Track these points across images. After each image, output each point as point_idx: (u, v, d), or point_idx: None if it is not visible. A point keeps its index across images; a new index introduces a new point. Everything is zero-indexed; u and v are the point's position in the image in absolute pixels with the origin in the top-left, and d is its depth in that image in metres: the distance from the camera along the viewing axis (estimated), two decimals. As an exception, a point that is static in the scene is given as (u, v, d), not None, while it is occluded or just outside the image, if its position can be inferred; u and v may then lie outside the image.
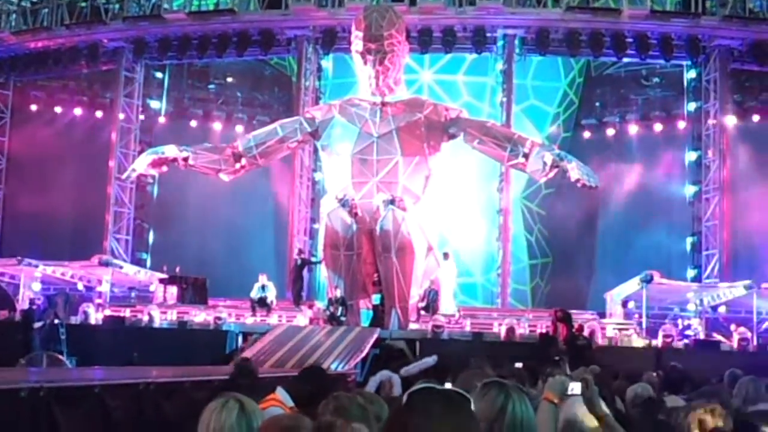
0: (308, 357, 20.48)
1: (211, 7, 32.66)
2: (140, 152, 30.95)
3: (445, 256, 27.01)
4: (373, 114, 26.22)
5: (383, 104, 26.26)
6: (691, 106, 32.05)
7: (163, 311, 27.01)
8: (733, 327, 25.85)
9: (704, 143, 31.08)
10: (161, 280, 29.38)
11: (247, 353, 20.58)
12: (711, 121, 30.92)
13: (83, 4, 33.14)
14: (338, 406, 4.49)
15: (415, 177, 26.14)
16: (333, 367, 19.49)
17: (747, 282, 26.18)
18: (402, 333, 23.87)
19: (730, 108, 31.22)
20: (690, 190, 31.63)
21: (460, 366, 9.66)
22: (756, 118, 33.72)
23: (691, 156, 31.82)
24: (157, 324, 26.06)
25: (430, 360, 8.43)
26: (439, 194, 27.86)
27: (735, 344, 24.69)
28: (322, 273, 28.44)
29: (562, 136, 35.69)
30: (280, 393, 6.13)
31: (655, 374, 10.15)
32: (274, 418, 3.59)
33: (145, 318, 26.30)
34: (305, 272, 28.10)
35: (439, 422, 3.10)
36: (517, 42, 31.32)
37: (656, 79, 35.23)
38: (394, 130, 26.03)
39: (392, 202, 24.92)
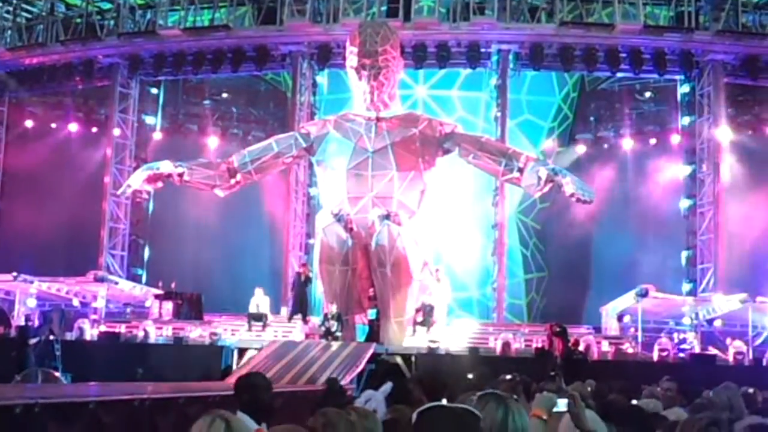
0: (304, 372, 20.47)
1: (206, 23, 32.70)
2: (135, 168, 30.94)
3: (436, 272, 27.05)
4: (368, 129, 26.26)
5: (378, 119, 26.30)
6: (685, 120, 32.15)
7: (158, 327, 26.99)
8: (728, 341, 25.86)
9: (698, 157, 31.16)
10: (157, 296, 29.35)
11: (243, 369, 20.60)
12: (705, 136, 30.99)
13: (78, 21, 33.21)
14: (326, 422, 4.47)
15: (410, 192, 26.16)
16: (329, 382, 19.45)
17: (742, 296, 26.18)
18: (398, 348, 23.85)
19: (723, 122, 31.32)
20: (684, 203, 31.70)
21: (456, 381, 9.66)
22: (749, 132, 33.83)
23: (685, 170, 31.90)
24: (152, 340, 26.03)
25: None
26: (435, 209, 27.87)
27: (731, 358, 24.70)
28: (318, 288, 28.41)
29: (556, 150, 35.76)
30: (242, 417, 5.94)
31: (658, 388, 10.12)
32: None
33: (141, 334, 26.27)
34: (304, 289, 28.00)
35: None
36: (511, 57, 31.38)
37: (650, 94, 35.32)
38: (389, 146, 26.07)
39: (387, 217, 24.93)
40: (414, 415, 3.17)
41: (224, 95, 38.45)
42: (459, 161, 27.37)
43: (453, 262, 32.81)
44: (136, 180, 27.35)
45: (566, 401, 5.38)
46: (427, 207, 26.78)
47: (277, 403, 6.78)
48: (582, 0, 30.66)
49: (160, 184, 27.62)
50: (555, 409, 5.37)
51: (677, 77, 32.09)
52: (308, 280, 27.81)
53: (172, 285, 29.42)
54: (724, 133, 31.24)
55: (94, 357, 23.35)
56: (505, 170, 26.23)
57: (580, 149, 36.51)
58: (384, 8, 30.95)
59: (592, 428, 5.43)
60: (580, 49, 30.78)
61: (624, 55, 30.76)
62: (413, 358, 22.81)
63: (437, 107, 33.95)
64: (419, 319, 25.27)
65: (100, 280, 28.79)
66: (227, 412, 4.52)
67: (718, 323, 27.74)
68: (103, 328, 27.26)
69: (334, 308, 25.11)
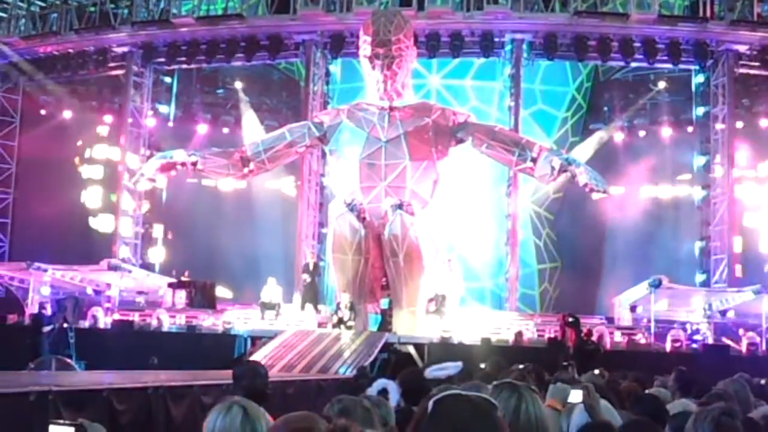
0: (316, 361, 20.52)
1: (220, 12, 32.72)
2: (149, 157, 31.03)
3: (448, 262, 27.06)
4: (381, 119, 26.24)
5: (391, 109, 26.27)
6: (699, 110, 32.01)
7: (171, 315, 27.09)
8: (741, 332, 25.81)
9: (712, 147, 31.00)
10: (170, 285, 29.44)
11: (256, 357, 20.65)
12: (719, 126, 30.84)
13: (92, 9, 33.23)
14: (343, 408, 4.48)
15: (423, 182, 26.15)
16: (341, 371, 19.52)
17: (756, 287, 26.13)
18: (410, 338, 23.86)
19: (738, 112, 31.14)
20: (698, 194, 31.58)
21: (470, 371, 9.66)
22: (764, 122, 33.65)
23: (699, 160, 31.78)
24: (165, 328, 26.14)
25: (458, 365, 8.34)
26: (448, 199, 27.86)
27: (744, 349, 24.66)
28: (331, 277, 28.43)
29: (570, 140, 35.66)
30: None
31: (670, 378, 10.09)
32: (285, 419, 3.54)
33: (154, 322, 26.38)
34: (317, 278, 28.01)
35: (466, 430, 3.01)
36: (525, 47, 31.27)
37: (664, 84, 35.15)
38: (403, 135, 26.05)
39: (400, 206, 24.92)
40: (429, 404, 3.12)
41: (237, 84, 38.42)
42: (472, 151, 27.33)
43: (466, 252, 32.76)
44: (150, 169, 27.44)
45: (580, 392, 5.38)
46: (440, 197, 26.76)
47: (271, 390, 6.80)
48: (596, -11, 30.57)
49: (173, 173, 27.71)
50: (569, 400, 5.38)
51: (692, 67, 31.94)
52: (317, 269, 27.86)
53: (186, 274, 29.50)
54: (738, 123, 31.09)
55: (107, 345, 23.48)
56: (519, 160, 26.19)
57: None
58: (397, -3, 30.88)
59: (606, 419, 5.43)
60: (594, 39, 30.63)
61: (638, 44, 30.62)
62: (426, 348, 22.82)
63: (450, 97, 33.87)
64: (432, 308, 25.25)
65: (114, 268, 28.89)
66: (244, 399, 4.54)
67: (731, 314, 27.68)
68: (116, 316, 27.37)
69: (346, 297, 25.14)
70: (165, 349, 22.47)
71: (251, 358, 18.24)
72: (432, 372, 8.11)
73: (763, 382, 9.98)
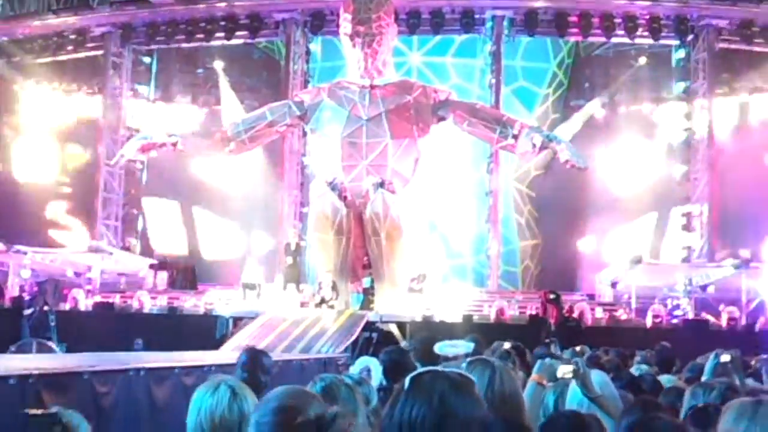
0: (298, 341, 20.51)
1: (199, -9, 32.51)
2: (129, 138, 30.82)
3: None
4: (362, 97, 26.17)
5: (372, 87, 26.20)
6: (680, 86, 32.07)
7: (153, 297, 27.02)
8: (721, 307, 25.97)
9: (693, 123, 31.08)
10: (151, 266, 29.37)
11: (237, 338, 20.65)
12: (699, 101, 30.92)
13: (70, -10, 32.96)
14: (325, 386, 4.46)
15: (405, 160, 26.12)
16: (323, 350, 19.53)
17: (735, 261, 26.27)
18: (392, 316, 23.86)
19: (718, 87, 31.24)
20: (679, 170, 31.65)
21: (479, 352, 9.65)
22: (744, 97, 33.71)
23: (680, 136, 31.85)
24: (147, 310, 26.08)
25: (469, 345, 8.27)
26: (429, 176, 27.83)
27: (724, 324, 24.82)
28: (312, 257, 28.40)
29: (551, 117, 35.64)
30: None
31: (648, 353, 10.18)
32: (277, 395, 3.35)
33: (135, 304, 26.31)
34: (298, 257, 27.96)
35: (444, 405, 3.04)
36: (505, 23, 31.22)
37: (645, 59, 35.13)
38: (383, 113, 25.99)
39: (382, 185, 24.92)
40: (406, 381, 3.13)
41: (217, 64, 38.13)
42: (453, 128, 27.30)
43: (447, 229, 32.79)
44: (130, 149, 27.31)
45: (570, 367, 5.28)
46: (422, 174, 26.74)
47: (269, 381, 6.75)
48: (577, -35, 30.53)
49: (154, 154, 27.57)
50: (558, 375, 5.30)
51: (672, 42, 31.97)
52: (301, 249, 27.84)
53: (166, 255, 29.44)
54: (718, 98, 31.19)
55: (88, 327, 23.38)
56: (500, 137, 26.20)
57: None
58: (378, -25, 30.71)
59: (599, 393, 5.37)
60: (575, 15, 30.65)
61: (619, 20, 30.66)
62: (407, 326, 22.85)
63: (431, 74, 33.75)
64: (414, 286, 25.26)
65: (95, 250, 28.76)
66: (231, 378, 4.50)
67: (711, 289, 27.83)
68: (97, 298, 27.28)
69: (328, 277, 25.13)
70: (146, 331, 22.42)
71: (252, 344, 18.22)
72: (442, 348, 8.10)
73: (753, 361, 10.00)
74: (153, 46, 34.27)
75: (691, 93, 31.24)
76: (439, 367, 3.34)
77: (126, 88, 34.01)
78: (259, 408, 3.34)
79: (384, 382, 6.92)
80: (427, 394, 3.06)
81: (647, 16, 30.56)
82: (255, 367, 6.66)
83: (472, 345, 8.21)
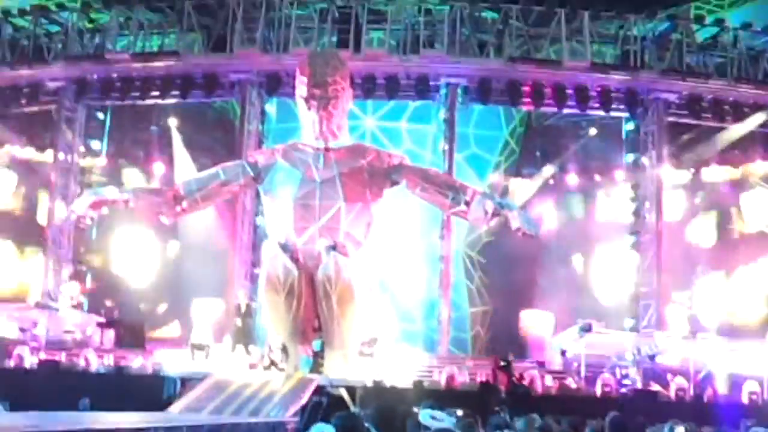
0: (246, 404, 20.27)
1: (155, 49, 32.52)
2: (80, 194, 30.52)
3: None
4: (316, 159, 26.21)
5: (326, 150, 26.24)
6: (629, 157, 32.61)
7: (99, 355, 26.57)
8: (669, 376, 26.11)
9: (641, 194, 31.55)
10: (99, 324, 28.94)
11: (185, 399, 20.37)
12: (648, 173, 31.43)
13: (25, 43, 32.81)
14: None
15: (358, 223, 26.11)
16: (272, 414, 19.31)
17: (684, 332, 26.52)
18: (342, 381, 23.67)
19: (666, 160, 31.82)
20: (629, 240, 32.03)
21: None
22: (692, 170, 34.38)
23: (628, 207, 32.28)
24: (93, 369, 25.64)
25: (452, 420, 8.14)
26: (382, 241, 27.85)
27: (672, 394, 24.95)
28: (263, 318, 28.19)
29: (503, 185, 35.99)
30: None
31: (598, 422, 10.19)
32: None
33: (82, 362, 25.86)
34: (249, 319, 27.72)
35: None
36: (459, 91, 31.56)
37: (595, 131, 35.76)
38: (337, 176, 26.01)
39: (334, 247, 24.85)
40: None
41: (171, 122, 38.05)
42: (406, 193, 27.43)
43: (399, 293, 32.80)
44: (81, 205, 26.98)
45: None
46: (374, 239, 26.76)
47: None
48: (530, 36, 31.03)
49: (104, 210, 27.30)
50: None
51: (622, 115, 32.55)
52: (251, 310, 27.63)
53: (115, 313, 29.07)
54: (666, 170, 31.75)
55: (33, 386, 22.92)
56: (452, 203, 26.30)
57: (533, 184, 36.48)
58: (334, 39, 30.99)
59: None
60: (528, 85, 31.14)
61: (570, 91, 31.20)
62: (357, 391, 22.66)
63: (385, 139, 34.05)
64: (365, 350, 25.12)
65: (41, 307, 28.32)
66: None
67: (659, 359, 28.01)
68: (42, 355, 26.77)
69: (278, 339, 24.93)
70: (93, 390, 21.95)
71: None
72: (425, 416, 8.01)
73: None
74: (107, 102, 34.07)
75: (640, 164, 31.74)
76: None
77: (78, 144, 33.71)
78: None
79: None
80: None
81: (599, 89, 31.15)
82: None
83: (453, 420, 8.15)
